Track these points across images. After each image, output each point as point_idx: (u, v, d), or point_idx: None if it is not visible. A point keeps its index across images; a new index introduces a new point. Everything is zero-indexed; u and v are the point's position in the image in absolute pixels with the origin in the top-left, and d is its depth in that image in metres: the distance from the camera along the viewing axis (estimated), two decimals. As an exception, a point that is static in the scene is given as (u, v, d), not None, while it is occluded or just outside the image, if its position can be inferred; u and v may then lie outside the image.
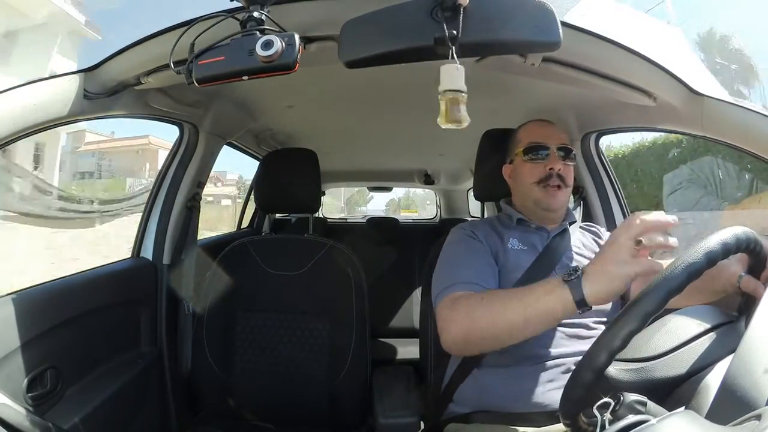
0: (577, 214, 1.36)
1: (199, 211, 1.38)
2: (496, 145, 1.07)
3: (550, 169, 0.89)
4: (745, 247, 0.51)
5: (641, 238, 0.55)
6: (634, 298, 0.46)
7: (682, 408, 0.42)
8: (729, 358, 0.43)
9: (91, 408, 0.90)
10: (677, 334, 0.52)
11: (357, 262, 1.18)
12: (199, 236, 1.42)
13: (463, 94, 0.55)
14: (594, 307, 0.84)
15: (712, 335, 0.52)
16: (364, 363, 1.13)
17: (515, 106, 1.36)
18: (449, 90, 0.55)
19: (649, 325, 0.45)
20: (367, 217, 2.90)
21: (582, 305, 0.59)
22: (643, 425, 0.38)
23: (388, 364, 1.26)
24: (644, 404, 0.43)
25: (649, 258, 0.57)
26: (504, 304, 0.67)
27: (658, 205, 6.41)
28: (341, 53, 0.59)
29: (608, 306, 0.86)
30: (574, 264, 0.61)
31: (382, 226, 2.68)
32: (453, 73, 0.55)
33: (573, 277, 0.59)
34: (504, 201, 1.03)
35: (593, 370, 0.47)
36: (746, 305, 0.57)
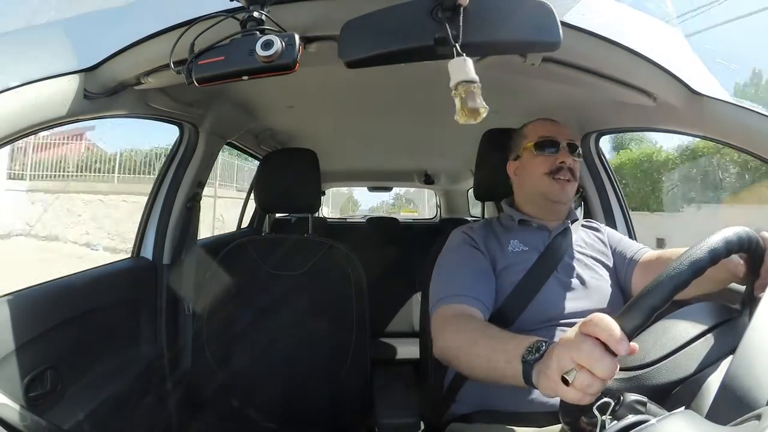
0: (578, 214, 1.36)
1: (200, 211, 1.38)
2: (496, 145, 1.07)
3: (561, 162, 0.90)
4: (747, 246, 0.52)
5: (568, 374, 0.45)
6: (638, 293, 0.46)
7: (682, 408, 0.42)
8: (729, 358, 0.43)
9: (91, 408, 0.90)
10: (671, 340, 0.52)
11: (357, 262, 1.18)
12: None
13: (476, 83, 0.53)
14: (596, 304, 0.85)
15: (708, 337, 0.52)
16: (364, 363, 1.13)
17: (515, 106, 1.36)
18: (461, 82, 0.53)
19: (655, 321, 0.45)
20: (367, 217, 2.90)
21: (534, 387, 0.55)
22: (643, 425, 0.38)
23: (388, 364, 1.26)
24: (644, 404, 0.43)
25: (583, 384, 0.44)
26: (474, 352, 0.68)
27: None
28: (341, 53, 0.59)
29: (611, 301, 0.86)
30: (538, 343, 0.56)
31: (382, 226, 2.68)
32: (462, 66, 0.53)
33: (531, 358, 0.55)
34: (505, 201, 1.02)
35: None
36: (749, 298, 0.57)
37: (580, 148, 0.94)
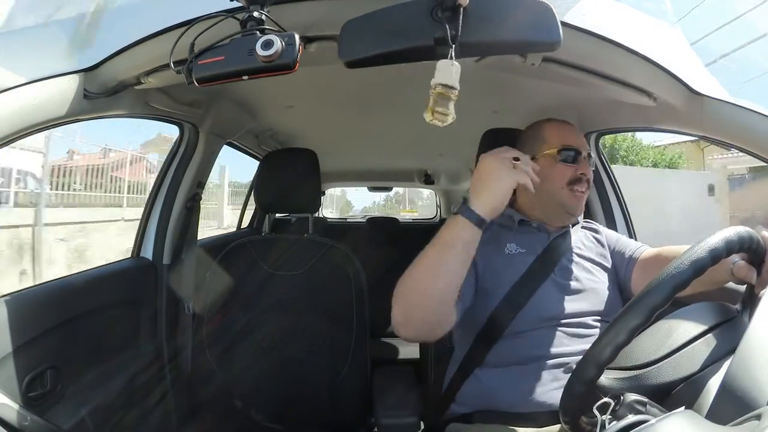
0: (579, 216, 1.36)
1: (200, 212, 1.38)
2: (496, 145, 1.06)
3: (582, 173, 0.88)
4: (748, 246, 0.52)
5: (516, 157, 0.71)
6: (638, 294, 0.46)
7: (682, 408, 0.42)
8: (729, 358, 0.43)
9: (91, 408, 0.90)
10: (671, 339, 0.52)
11: (357, 262, 1.18)
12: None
13: (455, 90, 0.54)
14: (593, 306, 0.84)
15: (708, 337, 0.52)
16: (364, 363, 1.13)
17: (515, 106, 1.36)
18: (440, 84, 0.55)
19: (655, 321, 0.45)
20: (367, 217, 2.90)
21: (481, 223, 0.69)
22: (642, 425, 0.38)
23: (388, 364, 1.26)
24: (644, 404, 0.43)
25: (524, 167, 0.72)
26: (422, 256, 0.75)
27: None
28: (341, 53, 0.59)
29: (608, 304, 0.86)
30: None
31: (382, 226, 2.68)
32: (448, 69, 0.54)
33: (462, 206, 0.69)
34: None
35: (598, 365, 0.46)
36: (749, 298, 0.57)
37: (592, 157, 0.92)
